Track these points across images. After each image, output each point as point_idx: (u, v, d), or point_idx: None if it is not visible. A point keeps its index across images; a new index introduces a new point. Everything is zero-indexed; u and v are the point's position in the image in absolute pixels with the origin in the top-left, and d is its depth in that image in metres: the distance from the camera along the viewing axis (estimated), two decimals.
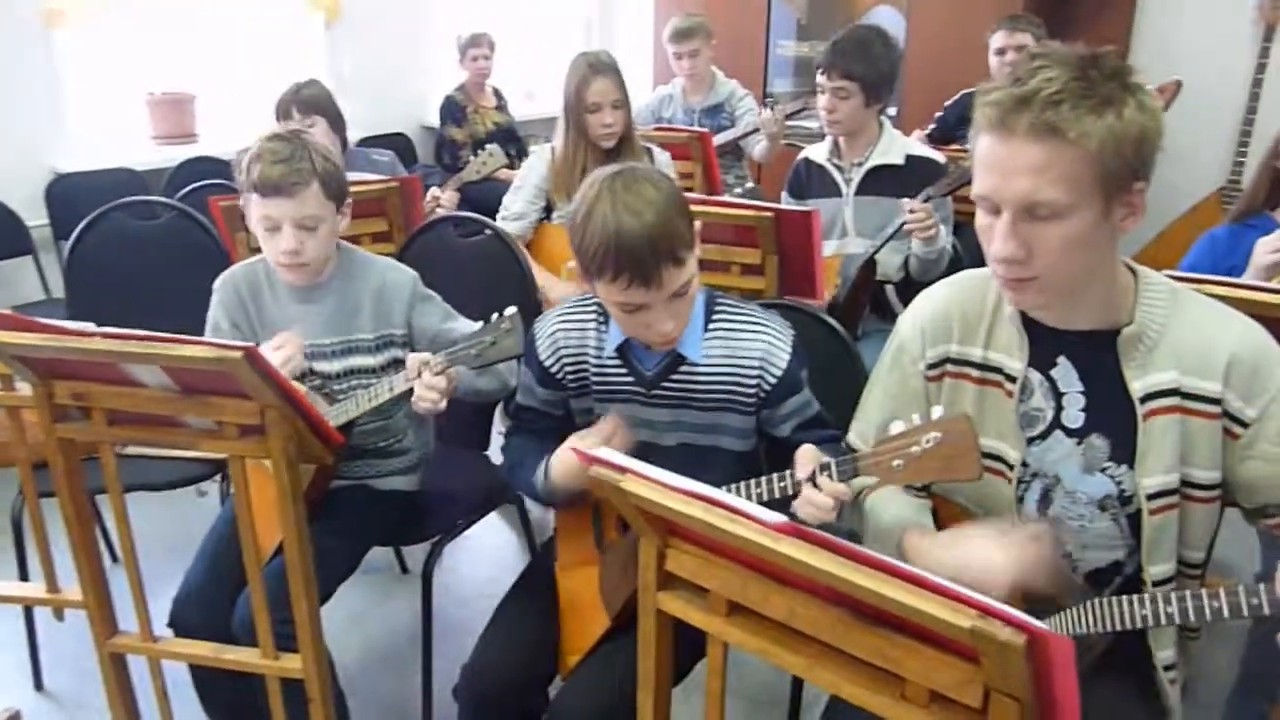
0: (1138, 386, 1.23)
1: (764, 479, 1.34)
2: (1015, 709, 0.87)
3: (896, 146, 2.56)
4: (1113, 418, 1.26)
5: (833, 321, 1.81)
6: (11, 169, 3.42)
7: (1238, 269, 1.92)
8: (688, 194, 2.67)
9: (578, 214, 1.38)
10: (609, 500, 1.14)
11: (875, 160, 2.54)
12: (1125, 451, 1.25)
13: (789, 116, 3.42)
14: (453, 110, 4.44)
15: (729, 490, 1.32)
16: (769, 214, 2.09)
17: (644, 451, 1.49)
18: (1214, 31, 4.02)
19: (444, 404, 1.63)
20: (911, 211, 2.31)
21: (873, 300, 2.59)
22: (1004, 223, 1.14)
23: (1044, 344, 1.28)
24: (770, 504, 1.27)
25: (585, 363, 1.55)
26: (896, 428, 1.18)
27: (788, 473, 1.31)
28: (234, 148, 1.76)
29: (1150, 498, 1.24)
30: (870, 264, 2.48)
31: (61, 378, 1.41)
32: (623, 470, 1.05)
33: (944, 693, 0.91)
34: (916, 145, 2.63)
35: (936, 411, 1.16)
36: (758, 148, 3.64)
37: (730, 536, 0.96)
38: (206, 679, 1.81)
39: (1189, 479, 1.24)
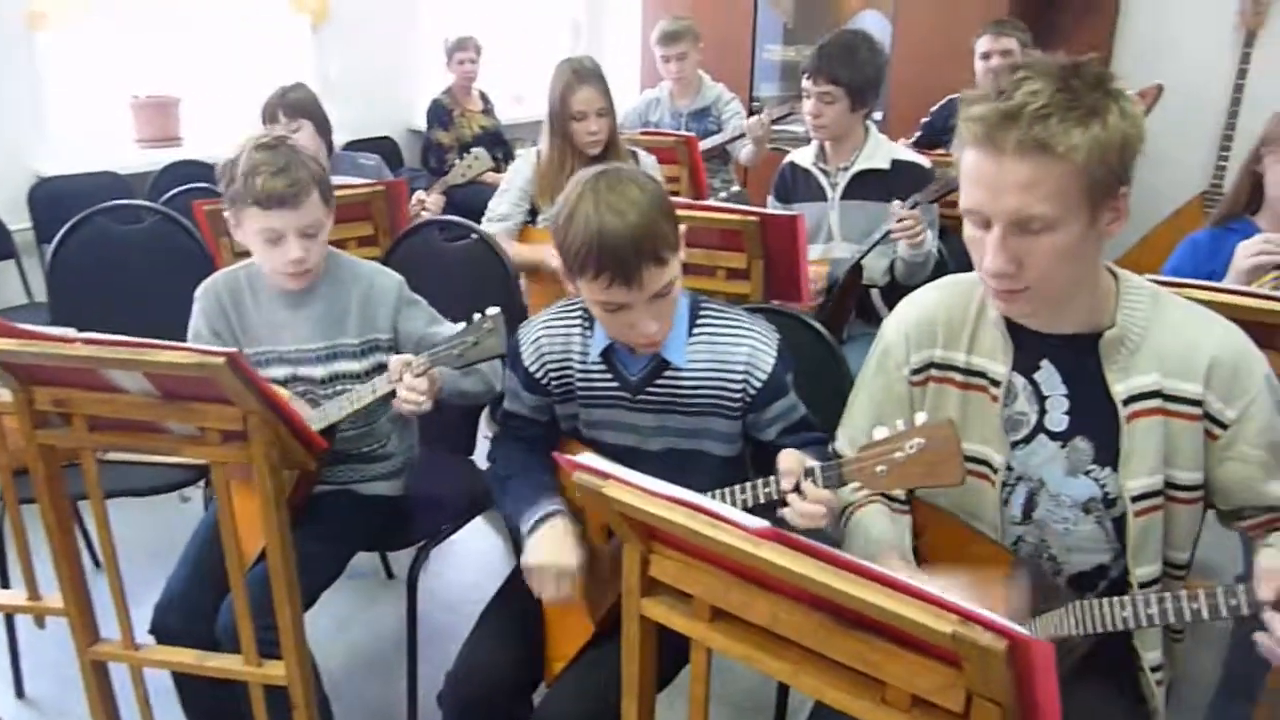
0: (1120, 389, 1.23)
1: (749, 484, 1.34)
2: (997, 713, 0.87)
3: (882, 151, 2.56)
4: (1096, 420, 1.27)
5: (818, 325, 1.82)
6: None
7: (1219, 273, 1.93)
8: (674, 198, 2.67)
9: (561, 213, 1.38)
10: (592, 506, 1.14)
11: (861, 165, 2.55)
12: (1109, 454, 1.26)
13: (775, 121, 3.42)
14: (439, 114, 4.44)
15: (714, 496, 1.32)
16: (754, 218, 2.10)
17: (629, 457, 1.49)
18: (1197, 36, 4.05)
19: (428, 405, 1.62)
20: (900, 220, 2.31)
21: (858, 304, 2.60)
22: (995, 237, 1.14)
23: (1027, 348, 1.29)
24: (755, 509, 1.29)
25: (570, 368, 1.55)
26: (880, 433, 1.18)
27: (772, 478, 1.31)
28: (219, 151, 1.75)
29: (1134, 500, 1.25)
30: (857, 268, 2.48)
31: (42, 383, 1.40)
32: (605, 476, 1.05)
33: (926, 697, 0.91)
34: (902, 150, 2.64)
35: (920, 417, 1.16)
36: (744, 152, 3.65)
37: (712, 542, 0.96)
38: (189, 686, 1.80)
39: (1172, 480, 1.25)
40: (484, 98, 4.62)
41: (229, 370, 1.25)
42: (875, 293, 2.63)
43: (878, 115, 3.91)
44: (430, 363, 1.61)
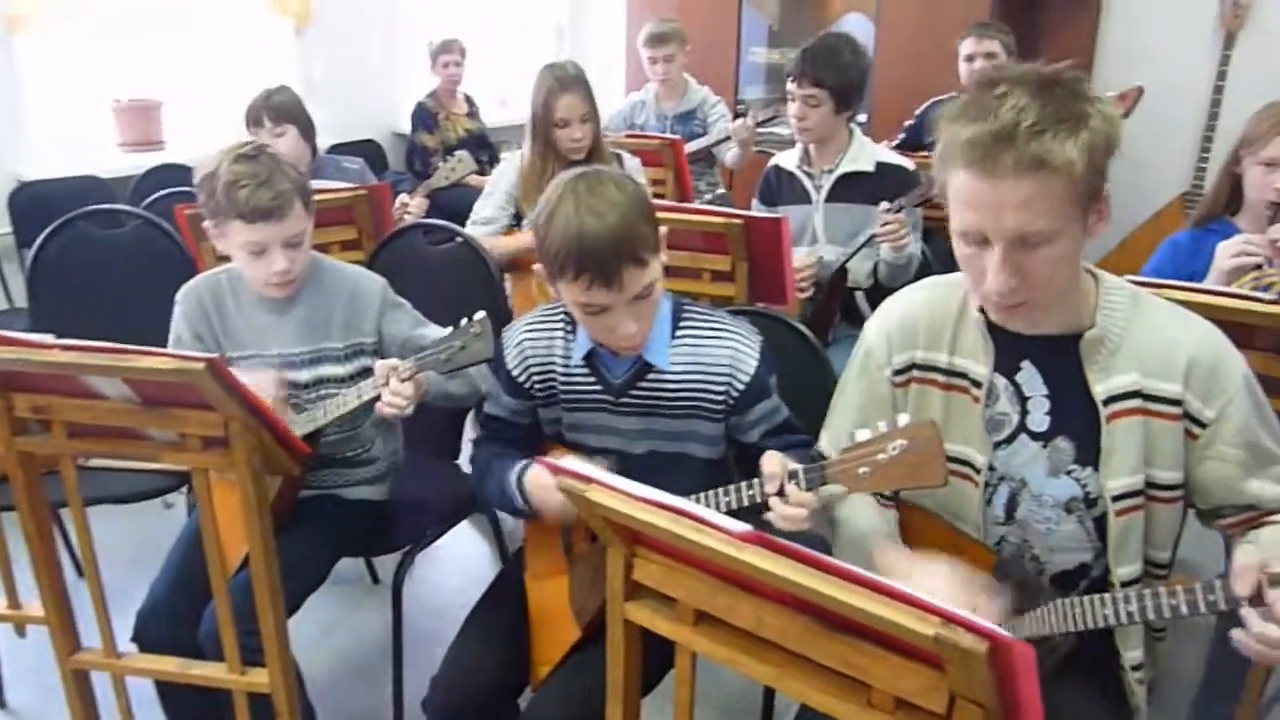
0: (1100, 389, 1.24)
1: (732, 487, 1.34)
2: (979, 714, 0.87)
3: (866, 154, 2.57)
4: (1077, 421, 1.27)
5: (802, 328, 1.82)
6: None
7: (1199, 274, 1.95)
8: (659, 201, 2.68)
9: (541, 214, 1.38)
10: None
11: (845, 167, 2.56)
12: (1090, 454, 1.27)
13: (760, 124, 3.43)
14: (424, 117, 4.43)
15: (697, 499, 1.33)
16: (738, 221, 2.10)
17: (613, 460, 1.49)
18: (1177, 38, 4.08)
19: (410, 409, 1.62)
20: (885, 225, 2.32)
21: (843, 306, 2.60)
22: (997, 258, 1.15)
23: (1008, 349, 1.30)
24: (738, 512, 1.29)
25: (553, 372, 1.55)
26: (862, 435, 1.19)
27: (756, 481, 1.31)
28: (202, 155, 1.73)
29: (1115, 499, 1.26)
30: (842, 271, 2.49)
31: (21, 390, 1.39)
32: (588, 480, 1.05)
33: (909, 699, 0.92)
34: (886, 152, 2.65)
35: (903, 418, 1.16)
36: (729, 154, 3.65)
37: (696, 546, 0.96)
38: (172, 694, 1.78)
39: (1153, 480, 1.26)
40: (469, 101, 4.61)
41: (209, 376, 1.24)
42: (860, 295, 2.64)
43: (862, 118, 3.92)
44: (417, 368, 1.61)
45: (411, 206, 2.89)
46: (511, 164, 2.66)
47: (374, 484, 1.95)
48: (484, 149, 4.50)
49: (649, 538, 1.07)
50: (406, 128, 4.52)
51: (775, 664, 1.01)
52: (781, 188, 2.68)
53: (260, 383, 1.65)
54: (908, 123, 3.73)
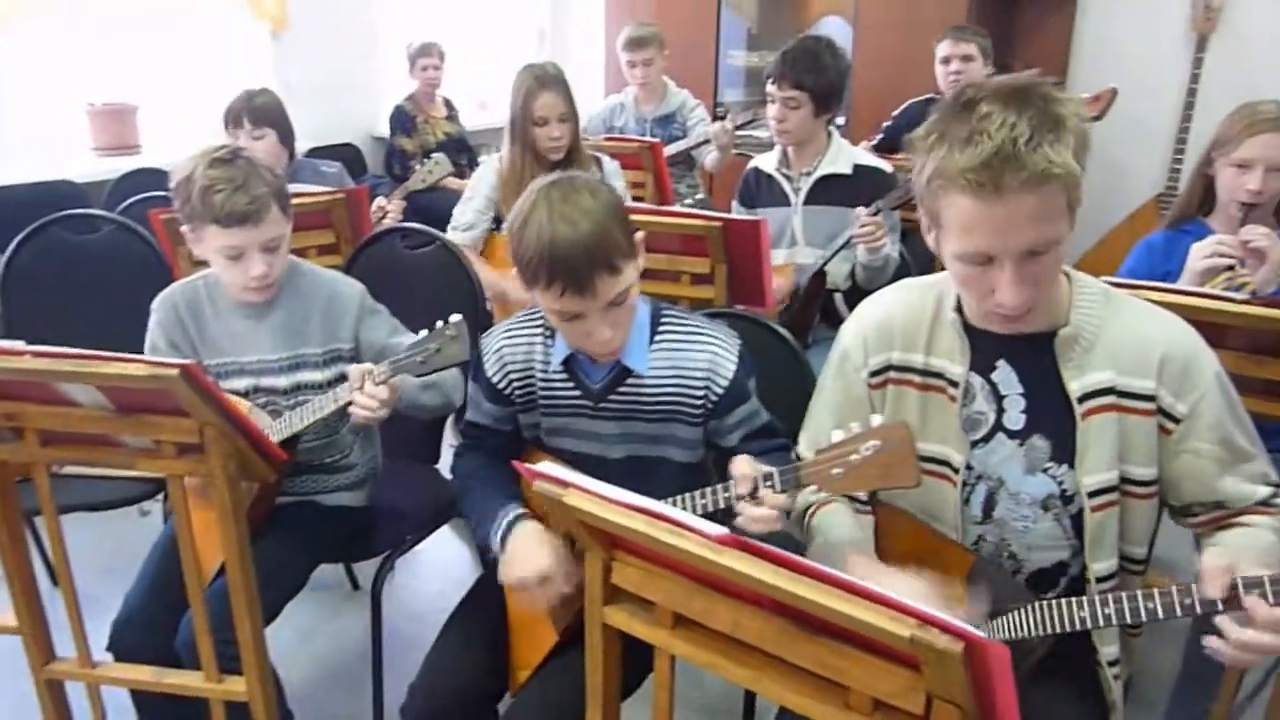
0: (1075, 387, 1.25)
1: (708, 490, 1.34)
2: (956, 715, 0.88)
3: (844, 156, 2.58)
4: (1052, 418, 1.28)
5: (782, 330, 1.82)
6: None
7: (1173, 274, 1.96)
8: (638, 204, 2.68)
9: (515, 222, 1.38)
10: (555, 515, 1.14)
11: (824, 170, 2.57)
12: (1065, 451, 1.28)
13: (739, 127, 3.44)
14: (402, 120, 4.41)
15: (673, 502, 1.32)
16: (717, 224, 2.10)
17: (591, 465, 1.49)
18: (1151, 41, 4.12)
19: (383, 413, 1.61)
20: (862, 225, 2.33)
21: (822, 309, 2.61)
22: (1010, 273, 1.15)
23: (984, 348, 1.31)
24: (715, 514, 1.28)
25: (532, 377, 1.54)
26: (836, 436, 1.19)
27: (730, 483, 1.31)
28: (178, 159, 1.72)
29: (1091, 495, 1.27)
30: (821, 274, 2.50)
31: None
32: (565, 485, 1.05)
33: (887, 700, 0.92)
34: (864, 155, 2.66)
35: (876, 419, 1.17)
36: (709, 158, 3.66)
37: (673, 549, 0.96)
38: (148, 704, 1.77)
39: (1128, 476, 1.27)
40: (448, 104, 4.60)
41: (183, 382, 1.23)
42: (838, 297, 2.65)
43: (840, 120, 3.94)
44: (393, 371, 1.60)
45: (389, 209, 2.88)
46: (490, 167, 2.66)
47: (353, 490, 1.94)
48: (463, 152, 4.49)
49: (627, 541, 1.07)
50: (385, 131, 4.50)
51: (753, 666, 1.01)
52: (760, 190, 2.68)
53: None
54: (885, 124, 3.75)
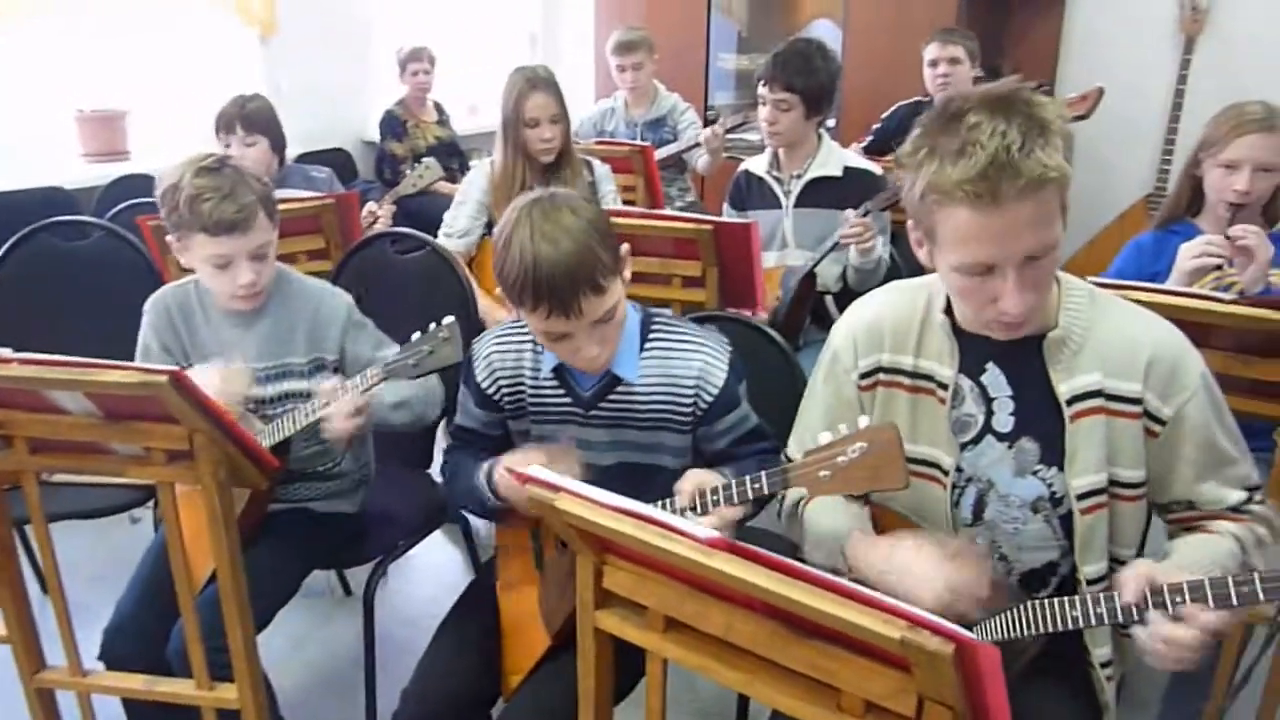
0: (1064, 389, 1.26)
1: (656, 505, 1.34)
2: (948, 716, 0.88)
3: (834, 158, 2.59)
4: (1041, 421, 1.29)
5: (772, 332, 1.83)
6: None
7: (1162, 275, 1.97)
8: (629, 207, 2.69)
9: (498, 240, 1.38)
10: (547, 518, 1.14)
11: (814, 172, 2.57)
12: (1054, 454, 1.28)
13: (730, 130, 3.45)
14: (393, 125, 4.41)
15: (661, 506, 1.32)
16: (708, 226, 2.11)
17: (583, 472, 1.48)
18: (1139, 42, 4.14)
19: (352, 425, 1.60)
20: (851, 226, 2.34)
21: (813, 311, 2.61)
22: (1013, 280, 1.15)
23: (973, 351, 1.31)
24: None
25: (522, 384, 1.54)
26: (824, 438, 1.19)
27: (674, 498, 1.33)
28: (167, 165, 1.72)
29: (1080, 498, 1.27)
30: (811, 276, 2.50)
31: None
32: (556, 489, 1.05)
33: (879, 702, 0.92)
34: (854, 157, 2.67)
35: (863, 421, 1.17)
36: (700, 161, 3.67)
37: (665, 553, 0.96)
38: (140, 713, 1.76)
39: (1116, 478, 1.27)
40: (439, 108, 4.59)
41: (172, 389, 1.22)
42: (829, 299, 2.66)
43: (830, 123, 3.94)
44: (385, 373, 1.60)
45: (380, 214, 2.88)
46: (481, 172, 2.65)
47: (345, 496, 1.93)
48: (454, 156, 4.49)
49: (618, 545, 1.07)
50: (375, 136, 4.49)
51: (745, 669, 1.01)
52: (751, 192, 2.69)
53: (230, 379, 1.64)
54: (874, 126, 3.76)
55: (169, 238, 1.73)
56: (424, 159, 3.07)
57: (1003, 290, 1.17)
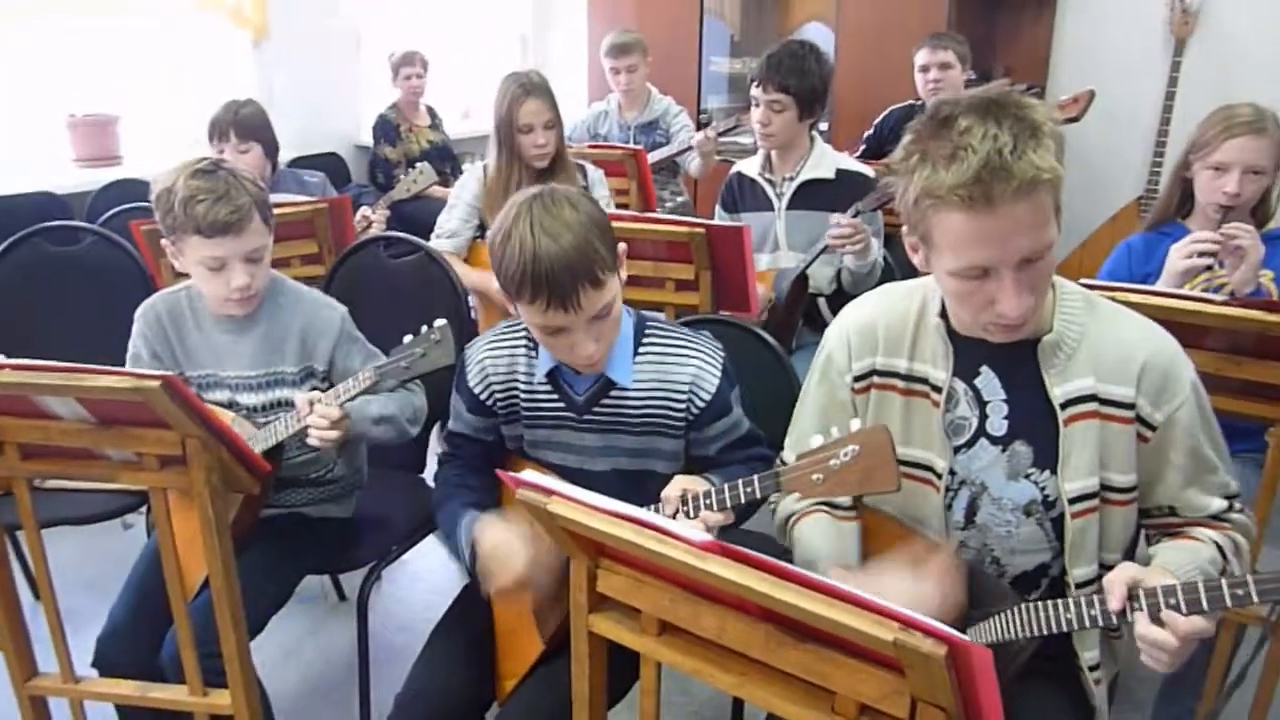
0: (1058, 393, 1.26)
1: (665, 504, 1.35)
2: (941, 718, 0.88)
3: (827, 161, 2.59)
4: (1035, 424, 1.29)
5: (766, 335, 1.83)
6: None
7: (1153, 276, 1.98)
8: (623, 211, 2.69)
9: (497, 235, 1.38)
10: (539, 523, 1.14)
11: (806, 174, 2.58)
12: (1047, 457, 1.28)
13: (722, 134, 3.45)
14: (386, 129, 4.40)
15: (655, 511, 1.32)
16: (700, 230, 2.11)
17: (574, 477, 1.48)
18: (1131, 44, 4.16)
19: (331, 436, 1.60)
20: (838, 224, 2.34)
21: (806, 313, 2.62)
22: (1010, 283, 1.15)
23: (967, 354, 1.31)
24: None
25: (515, 389, 1.54)
26: (816, 441, 1.19)
27: (660, 505, 1.33)
28: (160, 170, 1.72)
29: (1072, 501, 1.27)
30: (803, 278, 2.51)
31: None
32: (549, 493, 1.05)
33: (872, 704, 0.92)
34: (846, 159, 2.67)
35: (855, 424, 1.17)
36: (693, 164, 3.67)
37: (658, 556, 0.96)
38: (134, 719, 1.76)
39: (1107, 483, 1.27)
40: (431, 112, 4.59)
41: (164, 394, 1.22)
42: (822, 301, 2.66)
43: (823, 126, 3.96)
44: (377, 376, 1.60)
45: (374, 219, 2.88)
46: (474, 175, 2.66)
47: (338, 501, 1.93)
48: (447, 161, 4.49)
49: (612, 549, 1.07)
50: (369, 140, 4.49)
51: (738, 672, 1.01)
52: (744, 194, 2.69)
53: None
54: (867, 133, 3.77)
55: (164, 242, 1.73)
56: (417, 163, 3.06)
57: (1000, 293, 1.17)
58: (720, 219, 2.74)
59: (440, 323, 1.57)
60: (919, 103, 3.56)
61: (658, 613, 1.06)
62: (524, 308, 1.38)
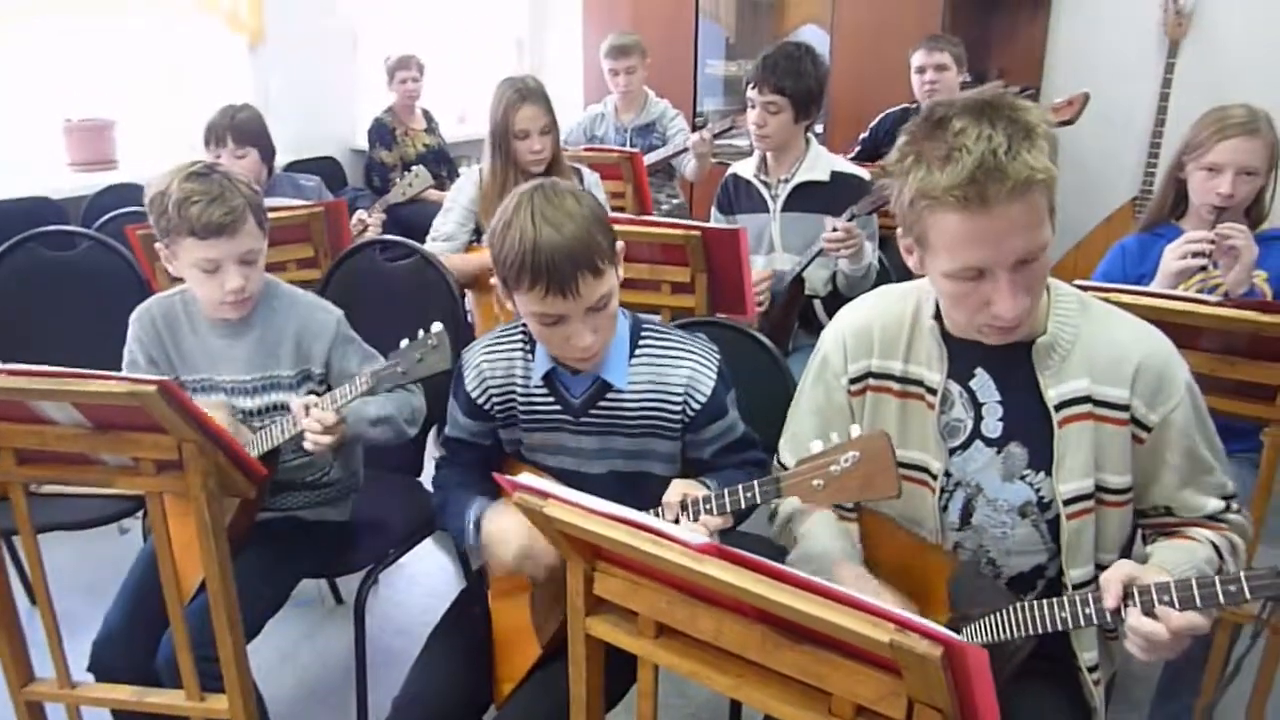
0: (1053, 395, 1.26)
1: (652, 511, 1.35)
2: (938, 719, 0.88)
3: (822, 163, 2.60)
4: (1029, 426, 1.29)
5: (762, 337, 1.83)
6: None
7: (1148, 277, 1.99)
8: (619, 214, 2.69)
9: (497, 225, 1.38)
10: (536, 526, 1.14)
11: (802, 176, 2.58)
12: (1042, 459, 1.29)
13: (718, 135, 3.46)
14: (381, 133, 4.41)
15: (653, 514, 1.33)
16: (696, 233, 2.11)
17: (572, 480, 1.48)
18: (1125, 46, 4.17)
19: (326, 441, 1.60)
20: (833, 229, 2.34)
21: (801, 315, 2.62)
22: (1006, 284, 1.16)
23: (962, 356, 1.31)
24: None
25: (512, 393, 1.54)
26: (816, 447, 1.19)
27: (661, 508, 1.34)
28: (155, 175, 1.71)
29: (1067, 503, 1.27)
30: (798, 281, 2.51)
31: None
32: (545, 496, 1.05)
33: (869, 706, 0.93)
34: (842, 162, 2.67)
35: (855, 430, 1.17)
36: (689, 167, 3.68)
37: (655, 559, 0.96)
38: None
39: (1103, 484, 1.28)
40: (427, 116, 4.60)
41: (160, 399, 1.22)
42: (818, 303, 2.66)
43: (818, 128, 3.96)
44: (374, 380, 1.60)
45: (370, 222, 2.88)
46: (470, 179, 2.66)
47: (334, 504, 1.93)
48: (443, 164, 4.49)
49: (609, 552, 1.07)
50: (364, 144, 4.49)
51: (735, 674, 1.01)
52: (739, 196, 2.70)
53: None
54: (862, 135, 3.78)
55: (158, 246, 1.72)
56: (413, 167, 3.06)
57: (995, 294, 1.17)
58: (716, 220, 2.74)
59: (437, 328, 1.57)
60: (914, 105, 3.57)
61: (655, 615, 1.06)
62: (522, 296, 1.38)
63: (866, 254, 2.44)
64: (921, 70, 3.48)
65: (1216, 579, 1.05)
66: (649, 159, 3.51)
